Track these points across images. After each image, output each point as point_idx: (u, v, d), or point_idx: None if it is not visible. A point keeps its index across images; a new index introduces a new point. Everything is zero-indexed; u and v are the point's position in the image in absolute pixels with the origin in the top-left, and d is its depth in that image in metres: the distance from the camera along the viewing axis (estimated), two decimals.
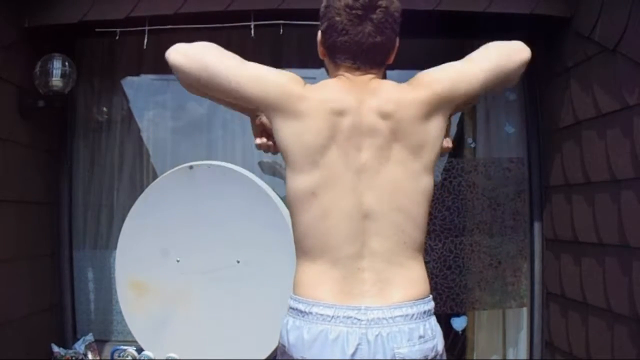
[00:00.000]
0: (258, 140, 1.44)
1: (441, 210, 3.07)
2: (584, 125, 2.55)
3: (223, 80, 1.33)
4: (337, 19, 1.32)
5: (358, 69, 1.36)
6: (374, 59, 1.36)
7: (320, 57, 1.44)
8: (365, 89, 1.34)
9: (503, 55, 1.43)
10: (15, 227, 2.68)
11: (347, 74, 1.37)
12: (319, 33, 1.40)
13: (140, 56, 3.25)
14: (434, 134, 1.34)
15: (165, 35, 2.85)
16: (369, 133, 1.30)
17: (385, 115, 1.30)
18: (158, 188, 2.60)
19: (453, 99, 1.36)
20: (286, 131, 1.31)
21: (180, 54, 1.35)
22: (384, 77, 1.42)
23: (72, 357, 2.89)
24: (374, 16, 1.30)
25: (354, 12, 1.30)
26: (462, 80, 1.37)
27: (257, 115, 1.40)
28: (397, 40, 1.38)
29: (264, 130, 1.42)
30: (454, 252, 3.08)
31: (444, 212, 3.08)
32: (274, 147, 1.41)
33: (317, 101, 1.31)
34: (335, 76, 1.40)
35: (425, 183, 1.33)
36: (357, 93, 1.33)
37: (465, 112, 3.26)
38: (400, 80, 1.40)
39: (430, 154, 1.33)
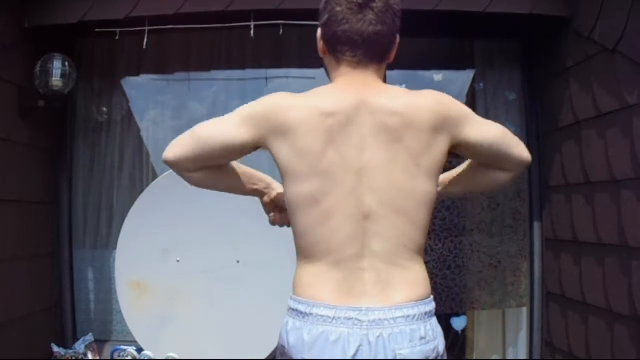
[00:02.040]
0: (271, 218, 1.50)
1: (441, 211, 3.07)
2: (584, 125, 2.55)
3: (214, 139, 1.33)
4: (338, 9, 1.32)
5: (359, 63, 1.34)
6: (375, 50, 1.34)
7: (320, 54, 1.42)
8: (367, 88, 1.33)
9: (513, 138, 1.43)
10: (15, 227, 2.68)
11: (346, 72, 1.35)
12: (319, 29, 1.39)
13: (140, 56, 3.25)
14: (438, 147, 1.31)
15: (166, 35, 2.86)
16: (373, 133, 1.29)
17: (392, 115, 1.29)
18: (158, 188, 2.60)
19: (461, 129, 1.34)
20: (284, 148, 1.30)
21: (171, 147, 1.37)
22: (385, 78, 1.41)
23: (72, 357, 2.89)
24: (374, 4, 1.31)
25: (354, 0, 1.31)
26: (477, 122, 1.37)
27: (266, 194, 1.48)
28: (398, 37, 1.38)
29: (276, 206, 1.49)
30: (454, 252, 3.08)
31: (444, 212, 3.08)
32: (286, 219, 1.42)
33: (306, 109, 1.29)
34: (334, 78, 1.39)
35: (427, 188, 1.31)
36: (358, 92, 1.32)
37: None
38: (401, 81, 1.40)
39: (432, 162, 1.31)
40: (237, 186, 1.47)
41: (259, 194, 1.50)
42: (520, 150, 1.44)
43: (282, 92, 1.36)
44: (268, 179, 1.49)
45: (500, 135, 1.40)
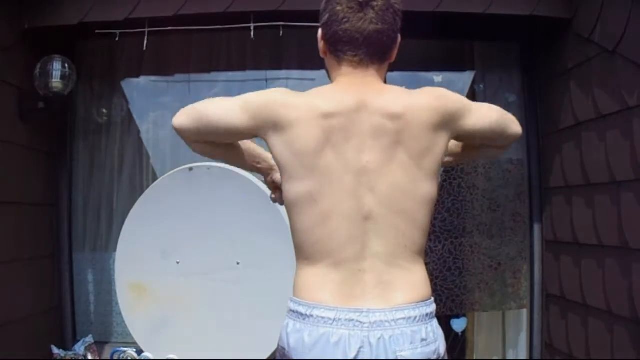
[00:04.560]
0: (272, 195, 1.54)
1: (441, 212, 3.07)
2: (584, 126, 2.55)
3: (217, 120, 1.35)
4: (338, 8, 1.32)
5: (360, 62, 1.34)
6: (376, 50, 1.34)
7: (321, 55, 1.42)
8: (368, 89, 1.33)
9: (508, 118, 1.46)
10: (15, 229, 2.68)
11: (347, 72, 1.35)
12: (319, 30, 1.39)
13: (140, 58, 3.25)
14: (439, 146, 1.33)
15: (165, 36, 2.86)
16: (373, 134, 1.29)
17: (392, 117, 1.29)
18: (158, 190, 2.60)
19: (461, 122, 1.36)
20: (279, 144, 1.31)
21: (179, 114, 1.41)
22: (385, 79, 1.41)
23: (71, 358, 2.89)
24: (375, 3, 1.31)
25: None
26: (475, 111, 1.39)
27: (269, 174, 1.52)
28: (399, 36, 1.38)
29: (277, 187, 1.51)
30: (454, 254, 3.08)
31: (444, 214, 3.08)
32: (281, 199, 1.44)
33: (306, 108, 1.30)
34: (334, 78, 1.38)
35: (427, 188, 1.31)
36: (359, 93, 1.31)
37: None
38: (401, 82, 1.40)
39: (433, 162, 1.31)
40: (239, 161, 1.52)
41: (262, 172, 1.54)
42: (514, 128, 1.47)
43: (286, 89, 1.38)
44: (272, 159, 1.48)
45: (495, 119, 1.43)
